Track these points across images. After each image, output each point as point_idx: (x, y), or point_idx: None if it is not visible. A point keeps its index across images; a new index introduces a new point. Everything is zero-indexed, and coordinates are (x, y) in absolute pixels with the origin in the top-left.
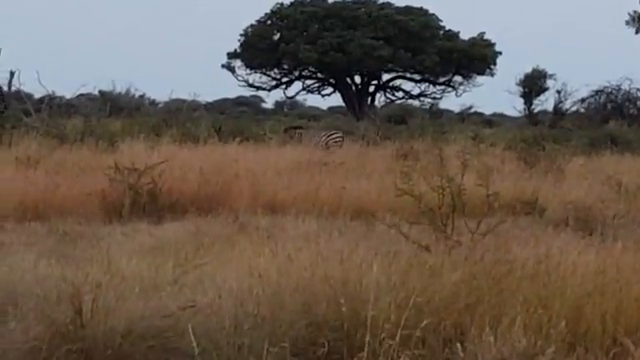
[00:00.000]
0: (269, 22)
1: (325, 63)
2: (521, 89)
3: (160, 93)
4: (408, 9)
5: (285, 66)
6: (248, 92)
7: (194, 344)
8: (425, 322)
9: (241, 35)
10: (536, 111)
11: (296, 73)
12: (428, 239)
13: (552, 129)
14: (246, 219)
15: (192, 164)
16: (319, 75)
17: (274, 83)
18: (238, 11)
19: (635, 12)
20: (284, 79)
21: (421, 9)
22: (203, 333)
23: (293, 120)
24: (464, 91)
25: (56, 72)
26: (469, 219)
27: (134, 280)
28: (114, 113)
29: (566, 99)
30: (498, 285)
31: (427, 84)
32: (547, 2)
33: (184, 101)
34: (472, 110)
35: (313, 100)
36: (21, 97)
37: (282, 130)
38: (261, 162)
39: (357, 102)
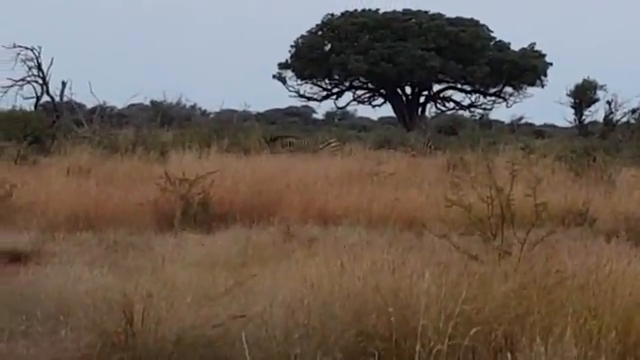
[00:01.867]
0: (320, 33)
1: (376, 74)
2: (571, 100)
3: (211, 103)
4: (459, 20)
5: (336, 77)
6: (299, 102)
7: (246, 353)
8: (474, 331)
9: (292, 46)
10: (586, 122)
11: (347, 84)
12: (478, 249)
13: (602, 140)
14: (297, 229)
15: (243, 174)
16: (370, 86)
17: (325, 94)
18: (289, 22)
19: None
20: (335, 90)
21: (472, 20)
22: (254, 343)
23: (344, 131)
24: (514, 102)
25: (108, 82)
26: (519, 229)
27: (185, 290)
28: (165, 123)
29: (617, 110)
30: (548, 295)
31: (478, 95)
32: (598, 13)
33: (235, 111)
34: (522, 121)
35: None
36: (73, 107)
37: (269, 139)
38: (312, 172)
39: (408, 113)
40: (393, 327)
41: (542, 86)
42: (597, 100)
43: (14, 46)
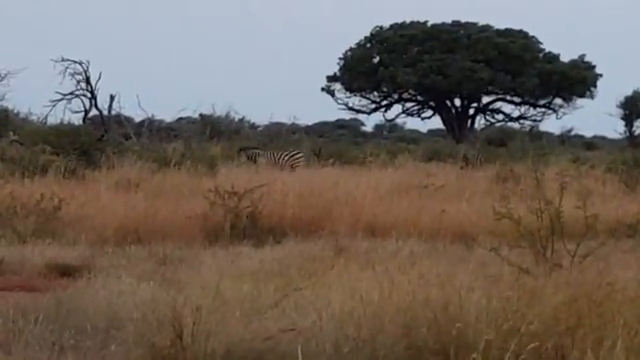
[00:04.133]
0: (369, 45)
1: (424, 86)
2: (621, 111)
3: (260, 116)
4: (508, 31)
5: (384, 89)
6: (347, 115)
7: None
8: (525, 344)
9: (340, 58)
10: (637, 133)
11: (395, 96)
12: (528, 262)
13: None
14: (346, 242)
15: (292, 187)
16: (419, 98)
17: (374, 106)
18: (338, 34)
19: None
20: (384, 102)
21: (521, 31)
22: (304, 356)
23: (393, 144)
24: (564, 114)
25: (156, 96)
26: (569, 242)
27: (235, 303)
28: (214, 136)
29: None
30: (599, 308)
31: (527, 107)
32: None
33: (284, 124)
34: (572, 132)
35: (413, 123)
36: (121, 121)
37: (237, 150)
38: (361, 185)
39: (457, 125)
40: (443, 341)
41: (592, 97)
42: None
43: (62, 60)
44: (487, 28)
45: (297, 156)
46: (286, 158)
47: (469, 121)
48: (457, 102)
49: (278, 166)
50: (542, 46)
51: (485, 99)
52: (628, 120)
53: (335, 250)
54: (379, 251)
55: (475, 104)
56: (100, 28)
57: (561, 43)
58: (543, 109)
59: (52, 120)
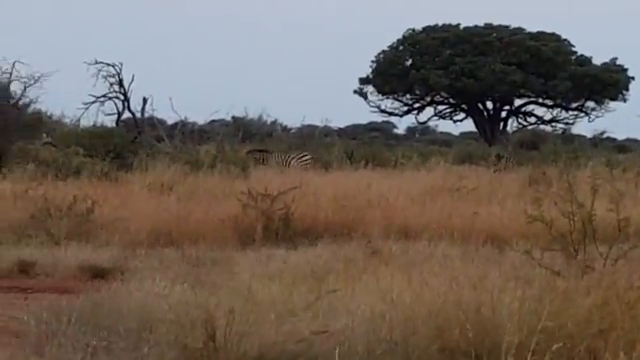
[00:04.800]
0: (401, 48)
1: (457, 89)
2: None
3: (292, 119)
4: (540, 34)
5: (417, 92)
6: (380, 118)
7: None
8: (557, 346)
9: (373, 61)
10: None
11: (428, 99)
12: (560, 265)
13: None
14: (379, 245)
15: (324, 190)
16: (451, 101)
17: (406, 109)
18: (370, 37)
19: None
20: (416, 105)
21: (553, 34)
22: (336, 358)
23: (425, 146)
24: (596, 116)
25: (189, 98)
26: (601, 244)
27: (267, 305)
28: (246, 139)
29: None
30: (631, 310)
31: (559, 109)
32: None
33: (316, 127)
34: (605, 135)
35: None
36: (154, 123)
37: (245, 152)
38: (393, 188)
39: (489, 128)
40: (475, 342)
41: (624, 100)
42: None
43: (95, 62)
44: (519, 31)
45: (304, 158)
46: (293, 160)
47: (501, 124)
48: (489, 105)
49: (285, 167)
50: (574, 49)
51: (517, 102)
52: None
53: (368, 252)
54: (411, 253)
55: (507, 107)
56: (133, 30)
57: (593, 46)
58: (575, 112)
59: (85, 122)
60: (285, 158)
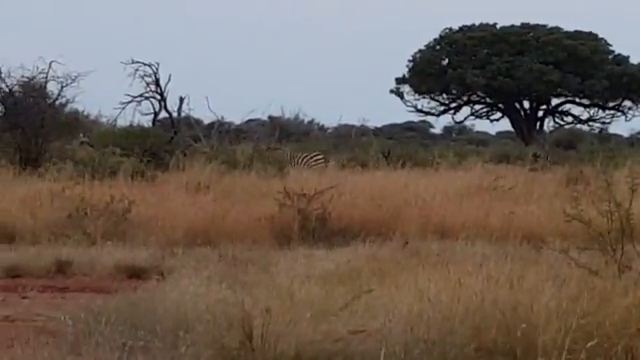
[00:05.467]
0: (437, 47)
1: (493, 88)
2: None
3: (329, 118)
4: (577, 33)
5: (453, 91)
6: (416, 117)
7: None
8: (594, 345)
9: (409, 61)
10: None
11: (464, 98)
12: (597, 264)
13: None
14: (416, 244)
15: (361, 189)
16: (488, 100)
17: (442, 108)
18: (407, 36)
19: None
20: (452, 104)
21: (590, 33)
22: (373, 358)
23: (462, 146)
24: (634, 115)
25: (226, 98)
26: (639, 244)
27: (304, 305)
28: (283, 138)
29: None
30: None
31: (596, 109)
32: None
33: (353, 126)
34: None
35: (481, 125)
36: (191, 123)
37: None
38: (430, 187)
39: (526, 127)
40: (512, 342)
41: None
42: None
43: (132, 62)
44: (556, 30)
45: (316, 157)
46: (306, 159)
47: (538, 123)
48: (526, 104)
49: (298, 166)
50: (611, 48)
51: (554, 101)
52: None
53: (405, 252)
54: (448, 253)
55: (544, 106)
56: (170, 30)
57: (631, 45)
58: (612, 111)
59: (122, 122)
60: (297, 157)
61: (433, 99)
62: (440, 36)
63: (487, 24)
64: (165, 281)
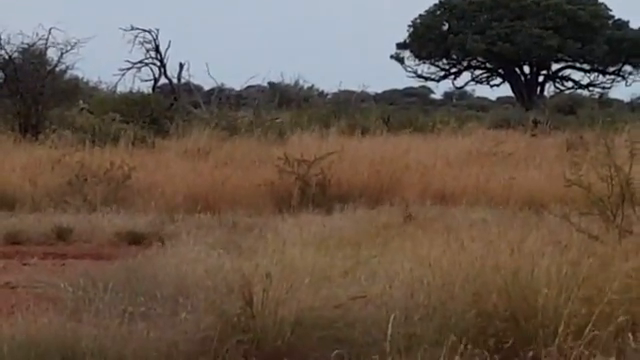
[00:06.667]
0: (438, 13)
1: (493, 53)
2: None
3: (329, 84)
4: None
5: (454, 57)
6: (417, 83)
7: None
8: (595, 310)
9: (409, 26)
10: None
11: (465, 63)
12: (598, 229)
13: None
14: (416, 209)
15: (361, 155)
16: (488, 65)
17: (443, 74)
18: (406, 1)
19: None
20: (453, 70)
21: None
22: (374, 323)
23: (462, 111)
24: (634, 80)
25: (225, 64)
26: (639, 208)
27: (304, 271)
28: (283, 104)
29: None
30: None
31: (596, 74)
32: None
33: (353, 92)
34: None
35: (482, 90)
36: (190, 89)
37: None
38: (430, 153)
39: (526, 92)
40: (513, 307)
41: None
42: None
43: (132, 29)
44: None
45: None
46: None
47: (538, 88)
48: (526, 69)
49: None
50: (611, 13)
51: (554, 66)
52: None
53: (405, 217)
54: (449, 218)
55: (544, 71)
56: None
57: (631, 10)
58: (612, 76)
59: (121, 89)
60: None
61: (433, 64)
62: (440, 1)
63: None
64: (165, 247)
